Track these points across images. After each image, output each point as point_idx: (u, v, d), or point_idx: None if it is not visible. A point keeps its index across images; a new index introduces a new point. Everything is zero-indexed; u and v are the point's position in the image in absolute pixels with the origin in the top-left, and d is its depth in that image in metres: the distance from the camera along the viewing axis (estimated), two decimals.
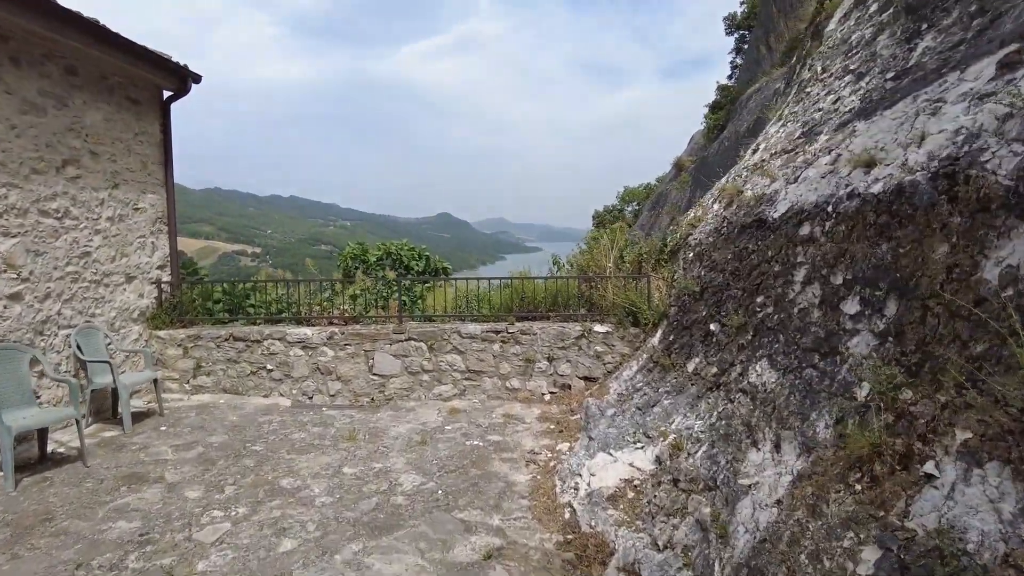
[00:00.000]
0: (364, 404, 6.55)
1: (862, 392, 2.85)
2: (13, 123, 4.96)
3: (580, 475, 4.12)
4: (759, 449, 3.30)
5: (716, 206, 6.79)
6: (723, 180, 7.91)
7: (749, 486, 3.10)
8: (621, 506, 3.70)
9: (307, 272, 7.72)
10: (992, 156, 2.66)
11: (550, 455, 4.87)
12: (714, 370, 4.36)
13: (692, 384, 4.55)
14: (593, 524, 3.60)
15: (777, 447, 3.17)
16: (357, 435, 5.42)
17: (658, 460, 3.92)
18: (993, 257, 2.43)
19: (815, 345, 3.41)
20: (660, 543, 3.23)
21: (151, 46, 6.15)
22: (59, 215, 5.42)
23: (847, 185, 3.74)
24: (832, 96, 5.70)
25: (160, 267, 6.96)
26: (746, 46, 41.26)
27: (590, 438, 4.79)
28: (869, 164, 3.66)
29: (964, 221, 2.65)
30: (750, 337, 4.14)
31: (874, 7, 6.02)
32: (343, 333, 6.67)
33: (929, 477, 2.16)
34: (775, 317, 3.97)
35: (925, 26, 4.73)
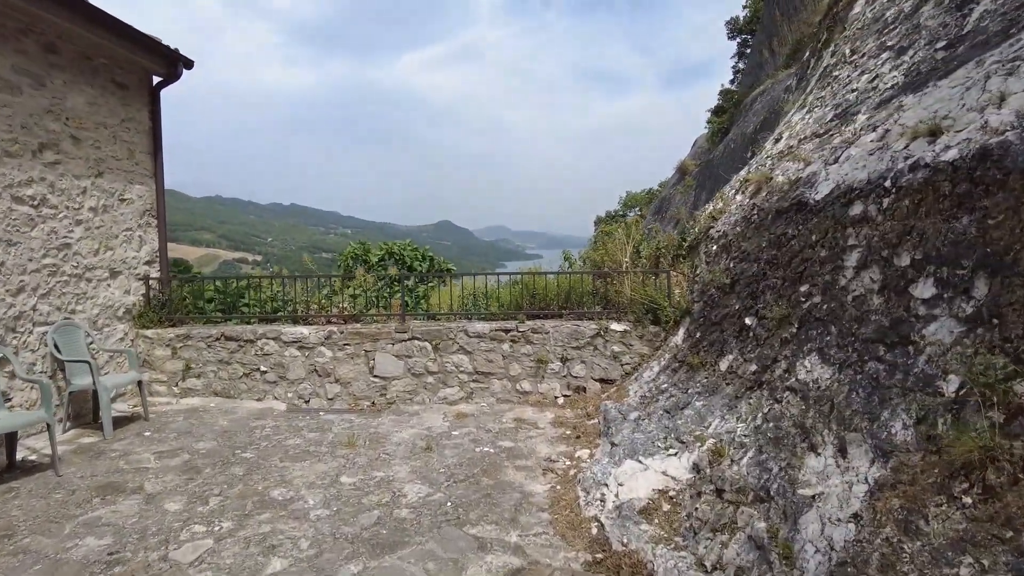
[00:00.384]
0: (364, 408, 6.11)
1: (950, 386, 2.43)
2: None
3: (606, 485, 3.68)
4: (818, 454, 2.87)
5: (739, 197, 6.39)
6: (742, 172, 7.53)
7: (812, 497, 2.67)
8: (656, 520, 3.26)
9: (305, 270, 7.29)
10: None
11: (569, 463, 4.43)
12: (753, 367, 3.93)
13: (727, 383, 4.12)
14: (625, 541, 3.16)
15: (842, 451, 2.74)
16: (357, 441, 4.99)
17: (696, 468, 3.48)
18: None
19: (878, 335, 2.99)
20: (707, 563, 2.80)
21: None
22: (35, 202, 5.02)
23: (907, 157, 3.33)
24: (867, 76, 5.31)
25: (148, 262, 6.55)
26: (748, 50, 41.10)
27: (613, 444, 4.35)
28: (934, 133, 3.25)
29: None
30: (794, 330, 3.72)
31: None
32: (342, 332, 6.24)
33: None
34: (824, 307, 3.55)
35: None
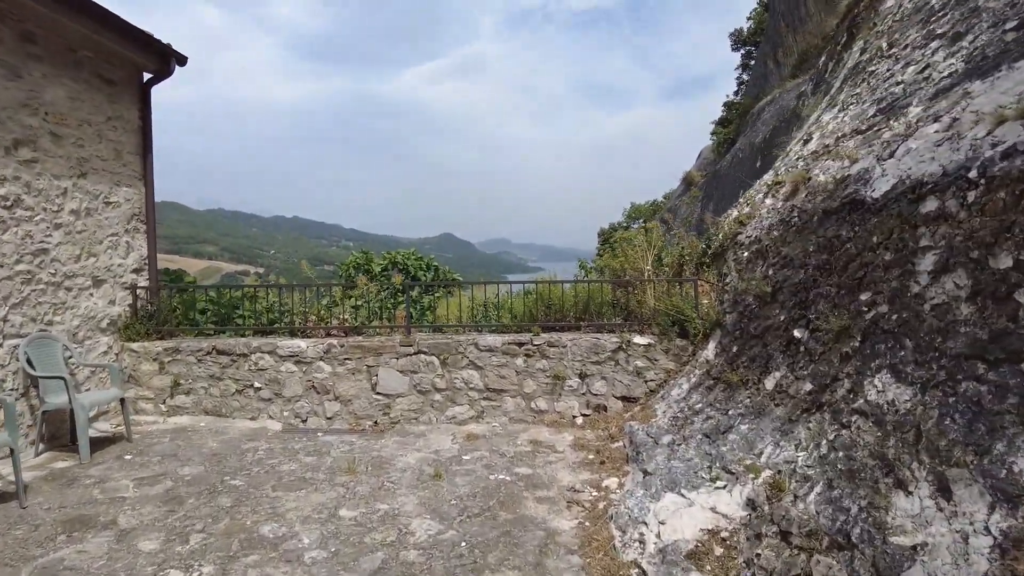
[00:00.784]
0: (366, 428, 5.63)
1: None
2: None
3: (645, 523, 3.20)
4: (909, 492, 2.40)
5: (769, 200, 5.96)
6: (766, 176, 7.11)
7: (913, 548, 2.19)
8: (708, 567, 2.78)
9: (303, 277, 6.84)
10: None
11: (596, 493, 3.95)
12: (808, 386, 3.46)
13: (777, 404, 3.64)
14: None
15: (943, 491, 2.27)
16: (358, 467, 4.51)
17: (751, 504, 3.00)
18: None
19: (974, 350, 2.52)
20: None
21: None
22: (8, 203, 4.59)
23: (995, 144, 2.89)
24: (914, 67, 4.89)
25: (136, 271, 6.11)
26: (753, 62, 40.95)
27: (646, 472, 3.87)
28: None
29: None
30: (857, 344, 3.25)
31: None
32: (342, 346, 5.78)
33: None
34: (893, 317, 3.09)
35: None
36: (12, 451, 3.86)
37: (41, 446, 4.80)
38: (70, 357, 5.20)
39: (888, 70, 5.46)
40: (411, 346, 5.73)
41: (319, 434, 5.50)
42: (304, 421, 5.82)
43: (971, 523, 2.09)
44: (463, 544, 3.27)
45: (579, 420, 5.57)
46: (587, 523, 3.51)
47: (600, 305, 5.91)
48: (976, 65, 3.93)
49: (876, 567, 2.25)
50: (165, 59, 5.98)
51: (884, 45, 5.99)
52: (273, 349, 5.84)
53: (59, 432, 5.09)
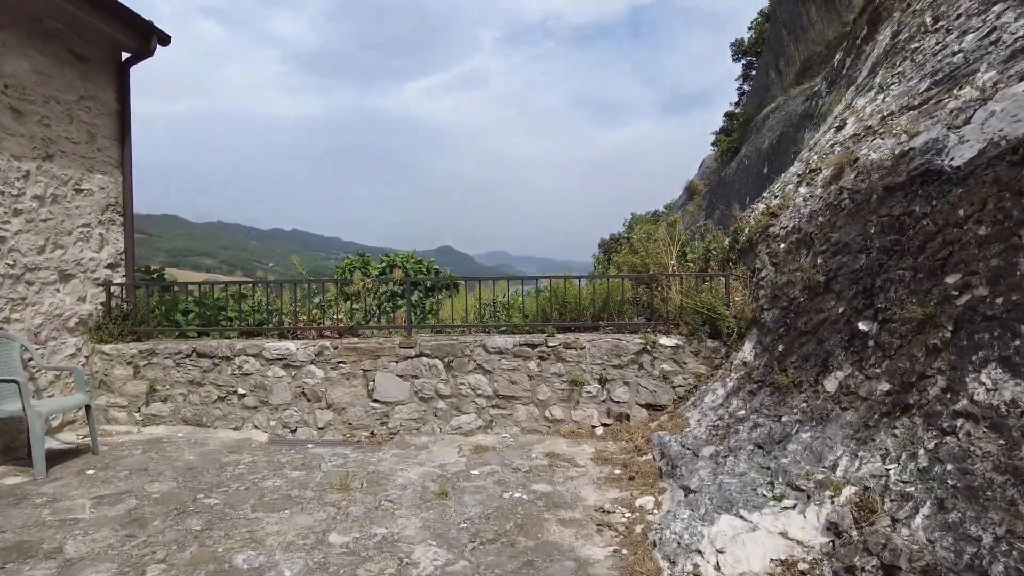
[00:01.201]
0: (362, 440, 5.06)
1: None
2: None
3: (699, 551, 2.63)
4: None
5: (805, 188, 5.46)
6: (793, 168, 6.62)
7: None
8: None
9: (295, 274, 6.29)
10: None
11: (630, 515, 3.37)
12: (884, 386, 2.91)
13: (844, 408, 3.09)
14: None
15: None
16: (352, 483, 3.94)
17: (834, 529, 2.44)
18: None
19: None
20: None
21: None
22: None
23: None
24: (974, 34, 4.41)
25: (111, 266, 5.57)
26: (754, 72, 40.80)
27: (688, 490, 3.30)
28: None
29: None
30: (948, 334, 2.71)
31: None
32: (336, 348, 5.22)
33: None
34: (996, 301, 2.56)
35: None
36: None
37: None
38: (30, 359, 4.64)
39: (938, 43, 4.97)
40: (412, 348, 5.18)
41: (309, 446, 4.92)
42: (293, 431, 5.24)
43: None
44: None
45: (599, 430, 5.00)
46: (624, 551, 2.93)
47: (620, 303, 5.37)
48: None
49: None
50: (146, 37, 5.49)
51: (928, 20, 5.52)
52: (259, 352, 5.28)
53: (15, 443, 4.52)
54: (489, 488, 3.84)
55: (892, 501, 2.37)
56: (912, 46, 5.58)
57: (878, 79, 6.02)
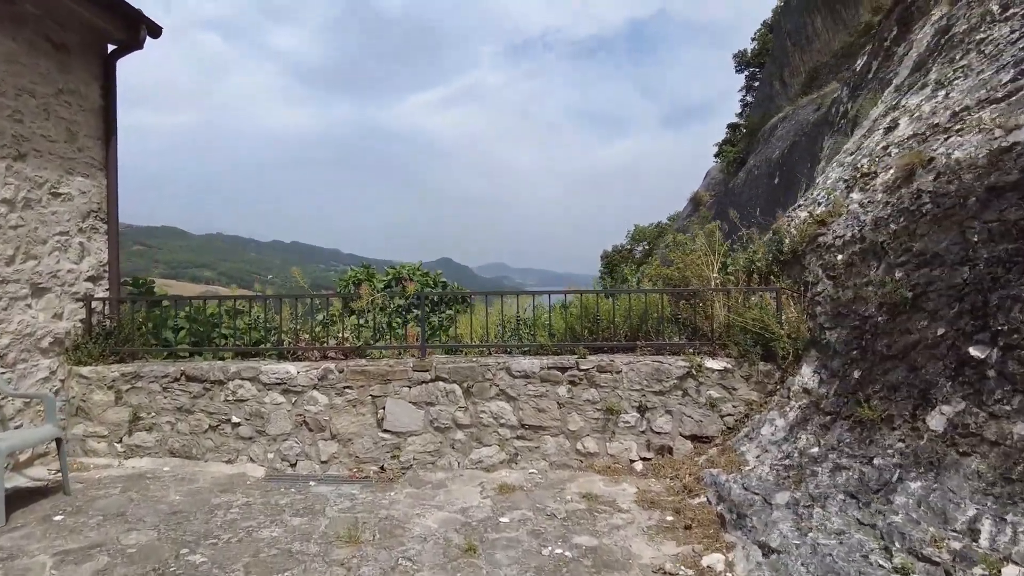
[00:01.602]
0: (371, 475, 4.49)
1: None
2: None
3: None
4: None
5: (858, 194, 4.96)
6: (834, 173, 6.12)
7: None
8: None
9: (295, 287, 5.74)
10: None
11: None
12: (1021, 429, 2.37)
13: (963, 453, 2.54)
14: None
15: None
16: (362, 533, 3.37)
17: None
18: None
19: None
20: None
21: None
22: None
23: None
24: None
25: (92, 278, 5.03)
26: (757, 83, 40.63)
27: (766, 548, 2.74)
28: None
29: None
30: None
31: None
32: (341, 371, 4.67)
33: None
34: None
35: None
36: None
37: None
38: None
39: (1013, 31, 4.49)
40: (427, 371, 4.62)
41: (311, 483, 4.35)
42: (293, 465, 4.67)
43: None
44: None
45: (638, 465, 4.43)
46: None
47: (658, 321, 4.82)
48: None
49: None
50: (134, 27, 4.99)
51: (995, 9, 5.05)
52: (256, 375, 4.73)
53: None
54: (523, 541, 3.27)
55: None
56: (976, 37, 5.09)
57: (933, 75, 5.53)
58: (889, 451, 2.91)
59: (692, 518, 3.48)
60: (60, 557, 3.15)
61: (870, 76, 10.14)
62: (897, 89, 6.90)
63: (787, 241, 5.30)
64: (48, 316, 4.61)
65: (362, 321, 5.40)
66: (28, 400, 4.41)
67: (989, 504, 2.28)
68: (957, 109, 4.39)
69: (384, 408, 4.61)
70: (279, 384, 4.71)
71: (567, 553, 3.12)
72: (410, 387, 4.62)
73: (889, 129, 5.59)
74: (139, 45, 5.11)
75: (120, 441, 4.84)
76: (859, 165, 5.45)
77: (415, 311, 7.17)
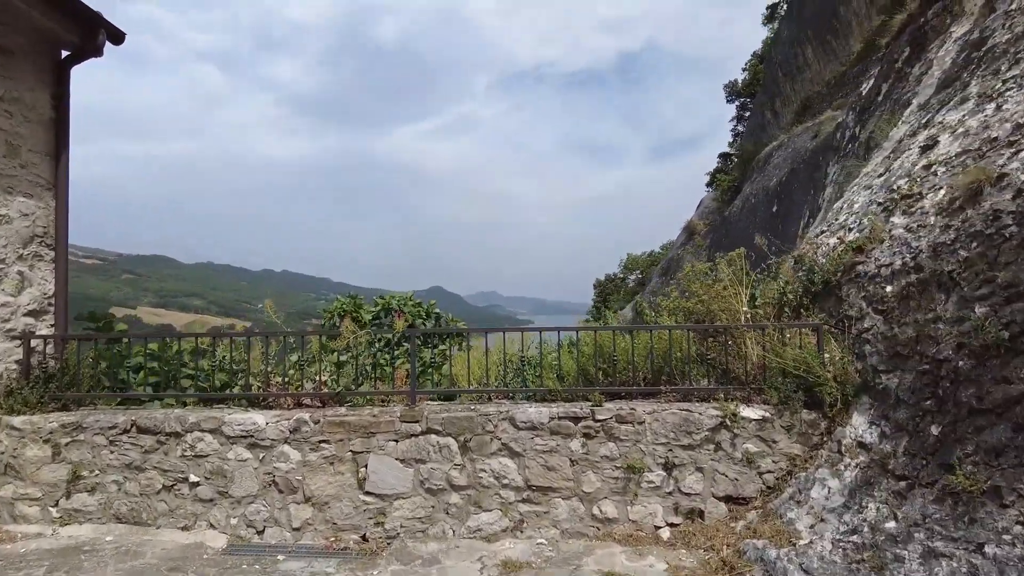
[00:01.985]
0: (350, 546, 3.79)
1: None
2: None
3: None
4: None
5: (900, 217, 4.45)
6: (860, 196, 5.63)
7: None
8: None
9: (267, 321, 5.09)
10: None
11: None
12: None
13: None
14: None
15: None
16: None
17: None
18: None
19: None
20: None
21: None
22: None
23: None
24: None
25: (34, 312, 4.39)
26: (748, 113, 40.92)
27: None
28: None
29: None
30: None
31: None
32: (317, 423, 4.01)
33: None
34: None
35: None
36: None
37: None
38: None
39: None
40: (417, 422, 3.97)
41: (279, 556, 3.66)
42: (260, 532, 3.97)
43: None
44: None
45: (665, 532, 3.77)
46: None
47: (683, 361, 4.21)
48: None
49: None
50: (91, 30, 4.45)
51: None
52: (218, 427, 4.05)
53: None
54: None
55: None
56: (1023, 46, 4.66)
57: (974, 89, 5.09)
58: (1006, 536, 2.29)
59: None
60: None
61: (880, 98, 9.80)
62: (922, 107, 6.48)
63: (817, 271, 4.75)
64: None
65: (344, 357, 4.75)
66: None
67: None
68: (1021, 121, 3.90)
69: (367, 466, 3.93)
70: (245, 437, 4.03)
71: None
72: (397, 441, 3.96)
73: (926, 148, 5.11)
74: (98, 52, 4.57)
75: (56, 505, 4.13)
76: (896, 187, 4.95)
77: (405, 344, 6.51)
